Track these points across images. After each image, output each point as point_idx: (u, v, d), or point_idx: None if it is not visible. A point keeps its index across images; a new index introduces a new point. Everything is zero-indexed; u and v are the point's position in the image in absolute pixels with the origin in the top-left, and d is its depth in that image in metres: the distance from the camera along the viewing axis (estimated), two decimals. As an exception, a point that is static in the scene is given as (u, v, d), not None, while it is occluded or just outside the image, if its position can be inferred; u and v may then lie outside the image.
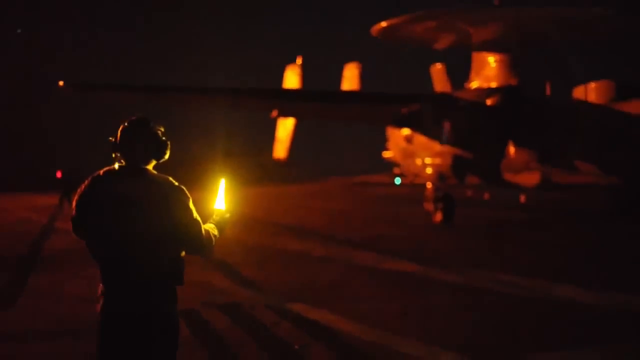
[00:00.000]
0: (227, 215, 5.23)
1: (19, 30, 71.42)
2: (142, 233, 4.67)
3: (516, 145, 24.10)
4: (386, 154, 33.54)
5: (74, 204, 4.88)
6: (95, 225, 4.73)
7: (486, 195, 29.74)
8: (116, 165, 4.86)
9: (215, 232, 5.04)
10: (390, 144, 32.84)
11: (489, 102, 23.71)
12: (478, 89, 25.26)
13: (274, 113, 28.68)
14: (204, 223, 4.92)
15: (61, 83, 25.94)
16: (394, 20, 24.74)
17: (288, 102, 28.53)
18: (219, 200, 5.27)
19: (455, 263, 15.62)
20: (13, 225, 26.12)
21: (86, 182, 4.85)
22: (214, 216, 5.18)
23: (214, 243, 4.97)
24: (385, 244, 19.30)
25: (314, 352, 8.57)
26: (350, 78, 37.81)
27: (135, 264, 4.68)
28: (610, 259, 16.46)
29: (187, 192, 4.80)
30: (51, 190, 39.04)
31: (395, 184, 38.54)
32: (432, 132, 25.43)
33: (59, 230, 22.59)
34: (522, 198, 28.67)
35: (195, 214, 4.81)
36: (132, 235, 4.66)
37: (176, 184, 4.79)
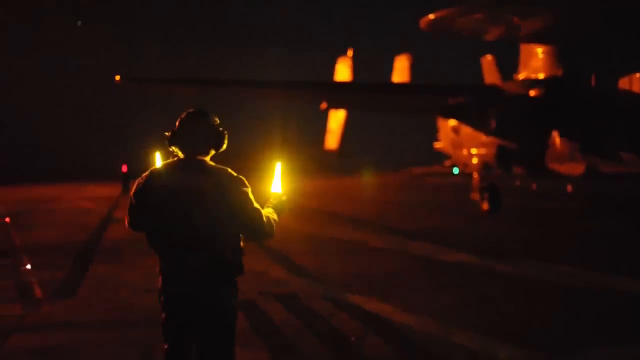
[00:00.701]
0: (284, 197, 5.29)
1: (79, 23, 72.50)
2: (203, 224, 4.76)
3: (561, 135, 24.22)
4: (437, 145, 33.96)
5: (132, 196, 4.97)
6: (156, 217, 4.82)
7: (534, 185, 29.79)
8: (175, 158, 4.93)
9: (275, 216, 5.11)
10: (441, 134, 33.27)
11: (532, 93, 23.94)
12: (523, 81, 25.43)
13: (323, 105, 28.90)
14: (262, 208, 4.98)
15: (117, 77, 26.40)
16: (442, 13, 24.87)
17: (337, 94, 28.80)
18: (276, 183, 5.33)
19: (511, 254, 15.53)
20: (73, 215, 26.56)
21: (145, 175, 4.94)
22: (271, 199, 5.25)
23: (274, 228, 5.03)
24: (440, 235, 19.32)
25: (369, 343, 8.60)
26: (400, 70, 38.07)
27: (196, 255, 4.77)
28: None
29: (246, 181, 4.89)
30: (112, 182, 39.65)
31: (454, 174, 38.63)
32: (477, 123, 25.91)
33: (118, 220, 22.91)
34: (569, 188, 28.93)
35: (255, 203, 4.88)
36: (193, 226, 4.76)
37: (235, 174, 4.87)
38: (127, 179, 37.80)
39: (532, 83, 24.58)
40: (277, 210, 5.19)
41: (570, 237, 18.54)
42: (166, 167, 4.95)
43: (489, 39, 26.67)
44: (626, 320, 9.68)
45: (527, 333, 9.01)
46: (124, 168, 39.36)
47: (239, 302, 4.95)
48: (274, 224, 5.03)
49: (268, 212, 5.05)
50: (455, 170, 36.46)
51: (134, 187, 4.98)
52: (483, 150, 26.85)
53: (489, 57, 33.45)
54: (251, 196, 4.87)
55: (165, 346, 4.93)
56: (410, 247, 16.96)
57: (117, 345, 8.58)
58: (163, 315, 4.88)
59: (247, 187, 4.88)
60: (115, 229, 20.99)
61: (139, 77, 29.44)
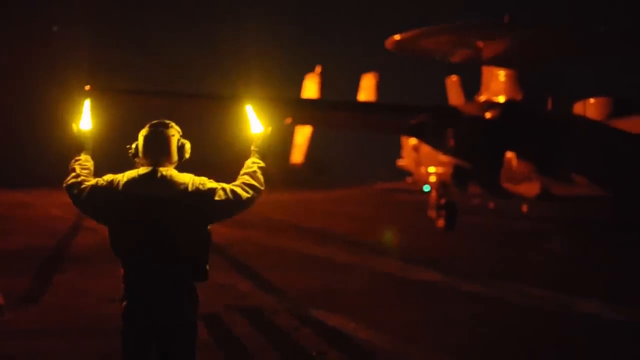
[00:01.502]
0: (268, 131, 5.38)
1: (55, 28, 71.96)
2: (170, 233, 4.89)
3: (517, 157, 24.99)
4: (400, 162, 34.75)
5: (87, 192, 5.06)
6: (123, 227, 4.88)
7: (491, 204, 30.67)
8: (140, 169, 5.01)
9: (260, 162, 5.24)
10: (404, 152, 34.11)
11: (488, 115, 24.42)
12: (481, 102, 26.16)
13: (288, 120, 29.27)
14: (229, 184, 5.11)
15: (87, 87, 26.45)
16: (406, 34, 25.71)
17: (302, 111, 29.32)
18: (254, 123, 5.42)
19: (477, 273, 15.66)
20: (42, 222, 26.37)
21: (107, 180, 5.01)
22: (255, 142, 5.35)
23: (261, 180, 5.16)
24: (407, 252, 19.42)
25: (331, 359, 8.66)
26: (367, 88, 38.84)
27: (162, 264, 4.85)
28: (622, 271, 16.73)
29: (206, 179, 5.06)
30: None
31: (424, 191, 39.14)
32: (435, 142, 26.40)
33: (87, 228, 22.81)
34: (524, 208, 30.06)
35: (221, 185, 5.03)
36: (160, 235, 4.87)
37: (198, 179, 5.02)
38: None
39: (488, 105, 25.18)
40: (263, 152, 5.30)
41: (533, 257, 18.81)
42: (131, 177, 5.01)
43: (453, 60, 27.49)
44: (590, 344, 9.78)
45: (490, 353, 9.13)
46: None
47: (204, 315, 5.03)
48: (260, 176, 5.16)
49: (251, 163, 5.21)
50: (426, 188, 37.01)
51: (89, 186, 5.05)
52: (440, 169, 27.55)
53: (453, 78, 34.24)
54: (219, 189, 4.99)
55: (124, 356, 4.98)
56: (376, 263, 17.06)
57: (75, 355, 8.60)
58: (123, 325, 4.93)
59: (212, 185, 5.01)
60: (84, 237, 20.86)
61: (110, 88, 29.56)
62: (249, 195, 5.04)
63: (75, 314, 10.73)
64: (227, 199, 4.96)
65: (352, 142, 61.48)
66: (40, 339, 9.35)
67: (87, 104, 5.54)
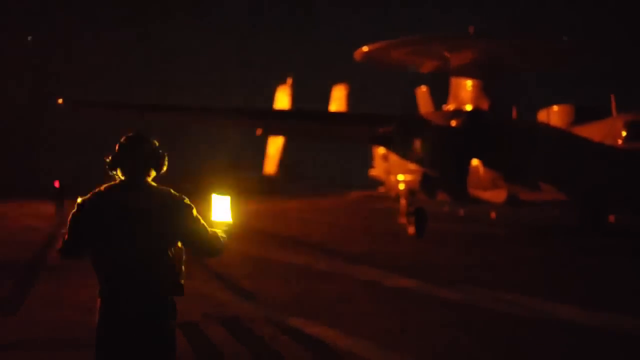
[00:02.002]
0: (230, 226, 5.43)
1: (29, 38, 71.61)
2: (147, 245, 4.87)
3: (483, 164, 25.84)
4: (371, 172, 35.52)
5: (76, 216, 5.02)
6: (102, 239, 4.89)
7: (461, 211, 31.17)
8: (117, 181, 5.04)
9: (224, 235, 5.29)
10: (375, 161, 34.80)
11: (453, 124, 25.27)
12: (446, 112, 27.00)
13: (259, 131, 29.79)
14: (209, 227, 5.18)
15: (60, 100, 26.57)
16: (374, 46, 26.76)
17: (273, 122, 29.89)
18: (223, 212, 5.45)
19: (453, 279, 15.76)
20: (18, 233, 26.21)
21: (88, 197, 5.01)
22: (220, 229, 5.35)
23: (223, 244, 5.22)
24: (384, 259, 19.51)
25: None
26: (338, 99, 39.58)
27: (139, 276, 4.84)
28: (591, 274, 17.06)
29: (189, 201, 5.06)
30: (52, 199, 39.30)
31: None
32: (403, 152, 27.11)
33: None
34: (493, 214, 31.47)
35: (201, 220, 5.08)
36: (138, 246, 4.85)
37: (177, 194, 5.03)
38: (60, 194, 37.61)
39: (454, 114, 25.98)
40: (228, 235, 5.36)
41: (506, 263, 18.98)
42: (110, 189, 5.01)
43: (423, 71, 28.88)
44: (567, 350, 9.85)
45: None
46: (56, 183, 39.27)
47: (181, 324, 5.05)
48: (223, 241, 5.21)
49: (216, 231, 5.24)
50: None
51: (77, 209, 5.03)
52: (409, 177, 28.25)
53: (423, 88, 35.06)
54: (196, 214, 5.04)
55: None
56: (353, 271, 17.13)
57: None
58: (97, 336, 4.91)
59: (191, 206, 5.03)
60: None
61: (82, 101, 29.70)
62: (215, 240, 5.14)
63: (53, 325, 10.69)
64: (198, 225, 5.03)
65: (327, 150, 61.67)
66: (14, 351, 9.32)
67: (223, 199, 5.48)
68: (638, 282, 15.81)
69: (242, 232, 24.90)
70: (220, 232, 5.26)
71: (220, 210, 5.42)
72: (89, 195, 5.03)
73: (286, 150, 40.00)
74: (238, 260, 18.52)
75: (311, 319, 11.31)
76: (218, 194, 5.47)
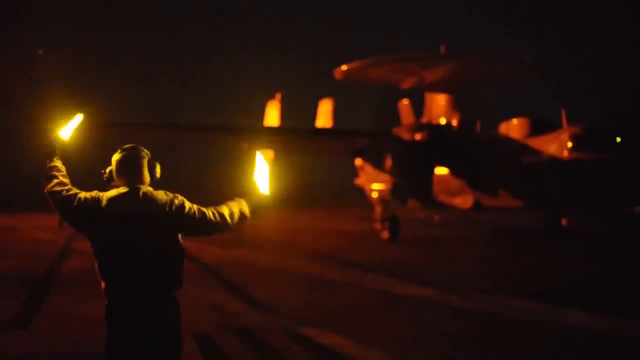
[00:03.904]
0: (268, 199, 5.73)
1: (40, 51, 71.74)
2: (150, 245, 5.18)
3: (450, 173, 28.05)
4: (357, 180, 37.29)
5: (77, 208, 5.25)
6: (107, 243, 5.06)
7: (436, 217, 32.84)
8: (121, 188, 5.33)
9: (246, 210, 5.64)
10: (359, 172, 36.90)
11: (417, 137, 27.52)
12: (414, 126, 29.44)
13: (245, 148, 31.34)
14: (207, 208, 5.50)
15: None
16: (353, 64, 29.29)
17: (260, 139, 31.43)
18: (262, 181, 5.80)
19: (464, 287, 15.72)
20: (30, 246, 26.22)
21: (93, 196, 5.17)
22: (253, 200, 5.76)
23: (235, 221, 5.55)
24: (396, 267, 19.51)
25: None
26: (324, 113, 41.13)
27: (143, 275, 5.04)
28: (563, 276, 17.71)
29: (179, 195, 5.44)
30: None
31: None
32: (375, 163, 29.94)
33: (76, 251, 22.73)
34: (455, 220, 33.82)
35: (194, 208, 5.39)
36: (142, 247, 5.16)
37: (171, 194, 5.39)
38: None
39: (421, 127, 28.33)
40: (255, 209, 5.73)
41: (518, 270, 18.93)
42: (113, 196, 5.28)
43: (403, 87, 31.22)
44: (580, 356, 9.79)
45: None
46: None
47: (195, 334, 5.06)
48: (236, 218, 5.54)
49: (236, 206, 5.58)
50: None
51: (76, 197, 5.19)
52: (381, 186, 30.56)
53: (405, 102, 36.33)
54: (189, 205, 5.38)
55: None
56: (365, 279, 17.09)
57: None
58: (107, 336, 5.10)
59: (183, 200, 5.38)
60: (72, 260, 20.81)
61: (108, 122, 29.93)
62: (214, 220, 5.40)
63: (65, 338, 10.73)
64: (194, 215, 5.32)
65: (329, 163, 62.03)
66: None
67: (77, 118, 5.70)
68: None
69: (252, 243, 25.06)
70: (244, 205, 5.55)
71: (260, 175, 5.62)
72: (93, 193, 5.24)
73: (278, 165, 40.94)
74: (249, 270, 18.65)
75: (324, 329, 11.44)
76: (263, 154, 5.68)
